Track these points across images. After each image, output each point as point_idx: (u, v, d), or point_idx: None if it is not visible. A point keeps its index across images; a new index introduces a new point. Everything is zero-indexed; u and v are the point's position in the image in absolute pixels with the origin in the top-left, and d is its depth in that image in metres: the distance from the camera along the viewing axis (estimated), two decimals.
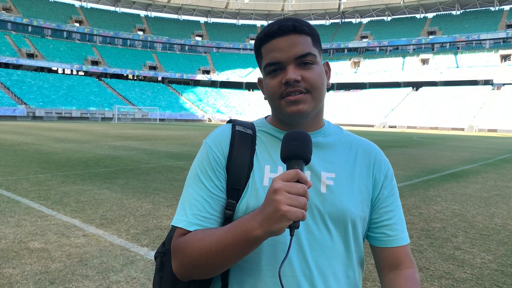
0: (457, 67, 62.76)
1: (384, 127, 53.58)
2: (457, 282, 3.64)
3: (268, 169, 1.00)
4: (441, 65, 64.13)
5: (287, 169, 0.83)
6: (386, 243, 1.04)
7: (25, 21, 64.37)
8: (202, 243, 0.89)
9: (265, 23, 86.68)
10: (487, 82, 60.40)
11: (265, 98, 1.06)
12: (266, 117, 1.13)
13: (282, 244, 0.94)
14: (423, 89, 63.01)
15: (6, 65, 58.32)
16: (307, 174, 0.99)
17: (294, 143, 0.84)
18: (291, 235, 0.80)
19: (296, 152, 0.84)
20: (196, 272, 0.92)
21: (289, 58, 0.96)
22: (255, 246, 0.85)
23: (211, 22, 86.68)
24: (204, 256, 0.89)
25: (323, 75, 1.01)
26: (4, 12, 63.13)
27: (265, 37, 0.99)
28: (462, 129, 47.59)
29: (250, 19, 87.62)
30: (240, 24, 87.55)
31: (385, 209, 1.05)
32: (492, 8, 69.64)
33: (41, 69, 62.22)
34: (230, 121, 1.10)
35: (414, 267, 1.04)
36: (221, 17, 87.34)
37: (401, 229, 1.05)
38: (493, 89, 57.97)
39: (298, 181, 0.79)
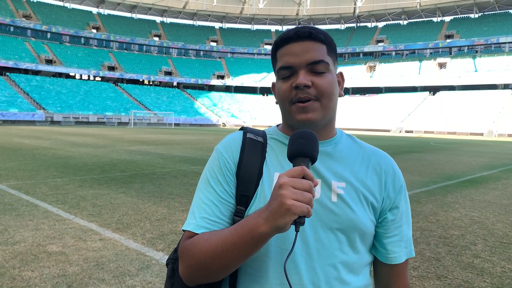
0: (476, 71, 61.70)
1: (400, 132, 52.94)
2: None
3: (277, 177, 0.99)
4: (459, 69, 63.16)
5: (293, 167, 0.83)
6: (387, 260, 1.06)
7: (44, 28, 65.85)
8: (209, 243, 0.90)
9: (279, 28, 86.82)
10: (506, 86, 59.13)
11: (277, 103, 1.07)
12: (277, 126, 1.13)
13: (292, 253, 0.93)
14: (440, 94, 62.11)
15: (26, 71, 59.68)
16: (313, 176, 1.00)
17: (301, 141, 0.85)
18: (296, 230, 0.80)
19: (302, 150, 0.84)
20: (202, 273, 0.92)
21: (301, 63, 0.97)
22: (261, 244, 0.85)
23: (225, 27, 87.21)
24: (210, 256, 0.88)
25: (334, 84, 1.01)
26: (24, 19, 64.72)
27: (281, 42, 1.01)
28: (481, 134, 46.67)
29: (265, 24, 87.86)
30: (254, 29, 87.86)
31: (394, 225, 1.05)
32: (511, 11, 68.37)
33: (59, 74, 63.48)
34: (241, 129, 1.11)
35: (407, 287, 1.10)
36: (235, 23, 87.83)
37: (404, 245, 1.06)
38: None
39: (304, 178, 0.80)
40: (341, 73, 1.09)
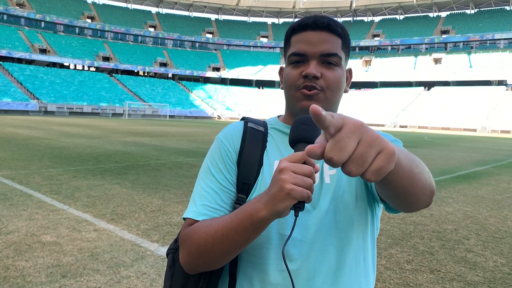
0: (471, 67, 61.93)
1: (395, 126, 53.15)
2: (469, 285, 3.60)
3: (277, 164, 0.99)
4: (454, 65, 63.35)
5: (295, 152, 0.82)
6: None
7: (38, 16, 65.05)
8: (208, 229, 0.89)
9: (276, 20, 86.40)
10: (500, 83, 59.50)
11: (282, 88, 1.07)
12: (278, 116, 1.14)
13: (291, 239, 0.95)
14: (435, 89, 62.33)
15: (19, 60, 59.03)
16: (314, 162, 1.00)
17: (302, 127, 0.84)
18: (296, 215, 0.78)
19: (304, 136, 0.83)
20: (202, 260, 0.91)
21: (315, 53, 0.98)
22: (260, 229, 0.84)
23: (222, 19, 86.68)
24: (210, 242, 0.88)
25: (342, 79, 1.02)
26: (18, 7, 63.86)
27: (298, 28, 1.01)
28: (475, 130, 46.97)
29: (261, 16, 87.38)
30: (251, 21, 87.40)
31: None
32: (507, 8, 68.51)
33: (53, 64, 62.82)
34: (242, 119, 1.12)
35: None
36: (232, 14, 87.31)
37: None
38: (507, 89, 57.09)
39: (305, 163, 0.78)
40: (350, 70, 1.09)
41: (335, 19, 1.02)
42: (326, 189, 0.99)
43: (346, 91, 1.06)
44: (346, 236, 0.98)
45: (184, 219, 1.00)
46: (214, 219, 0.93)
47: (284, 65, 1.08)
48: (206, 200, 0.98)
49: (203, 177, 1.03)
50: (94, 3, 75.57)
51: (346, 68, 1.07)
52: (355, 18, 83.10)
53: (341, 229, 0.98)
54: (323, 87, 0.98)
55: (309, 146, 0.64)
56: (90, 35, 71.43)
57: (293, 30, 1.02)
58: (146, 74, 72.87)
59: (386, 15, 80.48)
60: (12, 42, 58.79)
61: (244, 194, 1.00)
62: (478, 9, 71.74)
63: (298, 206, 0.78)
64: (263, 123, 1.10)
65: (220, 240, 0.87)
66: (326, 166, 1.01)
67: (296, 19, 1.15)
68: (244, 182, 1.00)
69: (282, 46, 1.13)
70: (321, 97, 0.99)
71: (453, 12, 74.13)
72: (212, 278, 1.00)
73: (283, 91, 1.07)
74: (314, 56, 0.98)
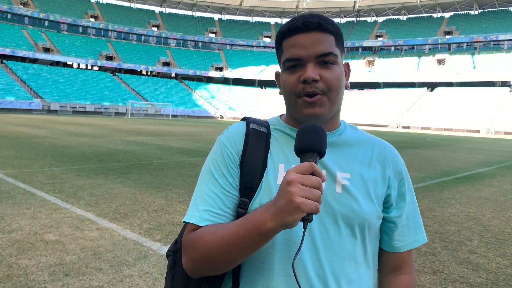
0: (474, 67, 61.72)
1: (397, 127, 53.03)
2: (471, 286, 3.59)
3: (282, 168, 0.99)
4: (458, 66, 63.14)
5: (301, 162, 0.82)
6: (395, 248, 1.07)
7: (41, 15, 65.24)
8: (213, 237, 0.88)
9: (279, 20, 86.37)
10: (504, 84, 59.26)
11: (281, 93, 1.04)
12: (280, 116, 1.11)
13: (296, 244, 0.93)
14: (438, 90, 62.15)
15: (23, 59, 59.19)
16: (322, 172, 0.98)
17: (309, 136, 0.83)
18: (304, 227, 0.79)
19: (311, 145, 0.83)
20: (206, 267, 0.91)
21: (310, 55, 0.94)
22: (267, 239, 0.84)
23: (225, 19, 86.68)
24: (215, 250, 0.87)
25: (342, 77, 0.99)
26: (22, 6, 64.05)
27: (288, 32, 0.97)
28: (478, 131, 46.82)
29: (264, 16, 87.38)
30: (254, 21, 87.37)
31: (398, 212, 1.05)
32: (511, 8, 68.27)
33: (57, 63, 62.99)
34: (244, 119, 1.09)
35: (412, 272, 1.10)
36: (235, 14, 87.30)
37: (413, 232, 1.06)
38: (510, 90, 56.83)
39: (312, 174, 0.78)
40: (347, 64, 1.06)
41: (338, 19, 1.00)
42: (336, 199, 0.97)
43: (347, 87, 1.04)
44: (354, 248, 0.98)
45: (185, 222, 0.98)
46: (218, 226, 0.91)
47: (280, 70, 1.05)
48: (209, 205, 0.96)
49: (205, 180, 1.00)
50: (97, 3, 75.72)
51: (343, 63, 1.04)
52: (358, 19, 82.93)
53: (350, 242, 0.97)
54: (325, 89, 0.95)
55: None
56: (93, 34, 71.59)
57: (283, 34, 0.98)
58: (149, 74, 72.98)
59: (389, 15, 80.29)
60: (16, 41, 58.98)
61: (247, 198, 0.97)
62: (482, 10, 71.48)
63: (307, 218, 0.77)
64: (266, 124, 1.07)
65: (226, 248, 0.86)
66: (339, 176, 0.99)
67: None
68: (247, 185, 0.98)
69: None
70: (323, 101, 0.96)
71: (456, 12, 73.88)
72: (214, 282, 0.99)
73: (282, 95, 1.04)
74: (309, 59, 0.94)
